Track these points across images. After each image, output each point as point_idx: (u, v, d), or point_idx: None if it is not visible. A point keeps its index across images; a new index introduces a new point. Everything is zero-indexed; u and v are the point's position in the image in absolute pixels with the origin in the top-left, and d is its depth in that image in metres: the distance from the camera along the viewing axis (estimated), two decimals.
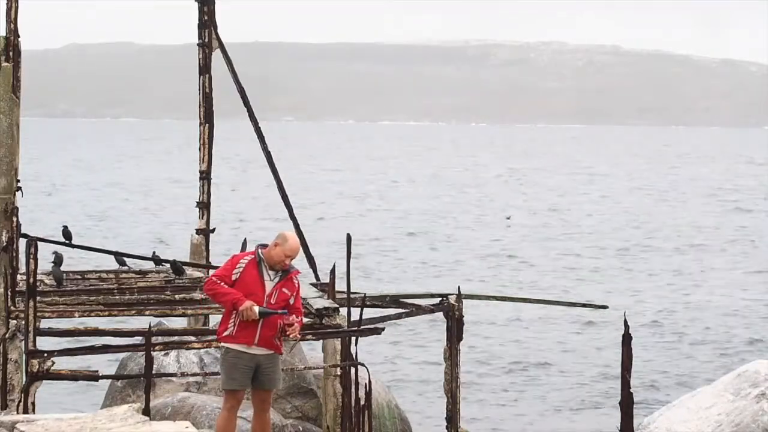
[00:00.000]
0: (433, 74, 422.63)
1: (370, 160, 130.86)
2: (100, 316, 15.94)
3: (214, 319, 16.53)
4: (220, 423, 11.96)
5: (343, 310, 14.93)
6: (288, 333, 11.79)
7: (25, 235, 15.58)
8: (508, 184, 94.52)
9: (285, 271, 11.83)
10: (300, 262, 18.72)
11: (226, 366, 11.81)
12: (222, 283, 11.69)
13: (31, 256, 13.66)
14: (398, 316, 17.06)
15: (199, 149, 19.84)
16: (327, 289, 16.01)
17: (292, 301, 11.85)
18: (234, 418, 11.93)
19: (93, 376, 14.27)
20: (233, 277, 11.71)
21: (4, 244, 15.05)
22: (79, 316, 15.82)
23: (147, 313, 16.20)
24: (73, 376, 14.33)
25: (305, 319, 15.30)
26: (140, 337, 14.38)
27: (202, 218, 19.88)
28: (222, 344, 11.85)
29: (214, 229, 20.06)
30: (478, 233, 56.74)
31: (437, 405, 22.17)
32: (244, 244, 19.45)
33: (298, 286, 11.99)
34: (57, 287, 17.01)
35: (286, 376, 17.33)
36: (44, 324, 14.98)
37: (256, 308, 11.61)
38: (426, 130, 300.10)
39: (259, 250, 11.84)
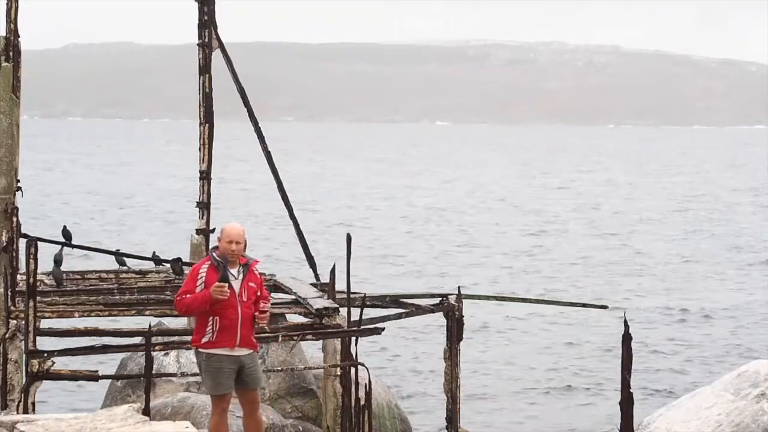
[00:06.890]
0: (433, 74, 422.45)
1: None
2: (100, 316, 15.93)
3: None
4: (213, 427, 11.96)
5: (343, 310, 14.93)
6: (259, 320, 11.85)
7: (25, 235, 15.58)
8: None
9: (245, 265, 11.84)
10: (300, 262, 18.80)
11: (210, 372, 11.79)
12: (187, 296, 11.74)
13: (31, 256, 13.66)
14: (398, 316, 17.06)
15: (199, 149, 19.81)
16: (327, 289, 16.01)
17: (259, 293, 11.92)
18: (226, 420, 11.97)
19: (93, 376, 14.27)
20: (198, 290, 11.71)
21: (4, 244, 15.05)
22: (79, 316, 15.80)
23: (147, 313, 16.18)
24: (73, 376, 14.34)
25: (305, 319, 15.35)
26: (140, 337, 14.38)
27: (202, 218, 19.86)
28: (202, 350, 11.79)
29: (214, 229, 20.03)
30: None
31: (437, 405, 22.17)
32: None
33: (260, 276, 12.02)
34: (57, 287, 17.00)
35: (287, 376, 17.34)
36: (44, 324, 14.97)
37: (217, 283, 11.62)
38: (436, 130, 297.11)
39: (213, 254, 11.87)
